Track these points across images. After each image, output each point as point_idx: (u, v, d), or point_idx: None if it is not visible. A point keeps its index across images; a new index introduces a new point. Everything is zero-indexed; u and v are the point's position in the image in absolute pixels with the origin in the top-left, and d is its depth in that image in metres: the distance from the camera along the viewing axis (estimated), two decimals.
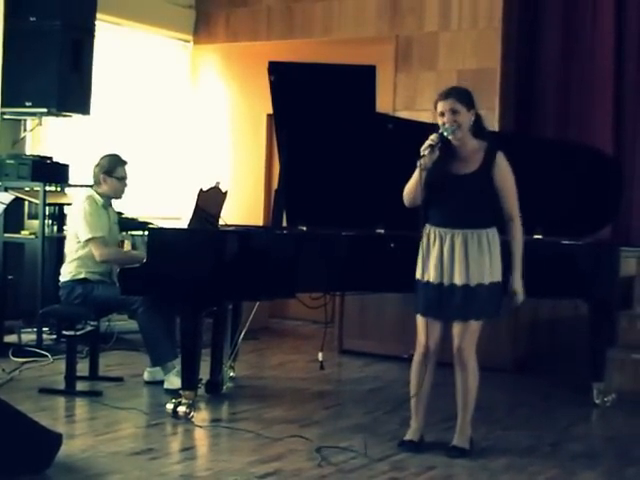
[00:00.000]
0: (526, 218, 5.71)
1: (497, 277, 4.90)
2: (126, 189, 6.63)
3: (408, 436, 5.06)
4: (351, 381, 7.06)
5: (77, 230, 6.40)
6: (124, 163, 6.59)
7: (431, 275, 4.89)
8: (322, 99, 6.01)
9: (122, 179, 6.56)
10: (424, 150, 4.77)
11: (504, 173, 4.89)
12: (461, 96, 4.89)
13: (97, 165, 6.54)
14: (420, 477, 4.59)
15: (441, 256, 4.87)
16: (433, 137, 4.80)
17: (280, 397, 6.34)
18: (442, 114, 4.85)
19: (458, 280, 4.84)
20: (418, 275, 4.96)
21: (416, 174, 4.83)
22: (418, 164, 4.79)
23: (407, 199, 4.94)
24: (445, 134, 4.81)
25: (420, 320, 5.00)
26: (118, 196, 6.62)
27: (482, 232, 4.86)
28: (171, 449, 5.07)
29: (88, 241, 6.31)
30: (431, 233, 4.92)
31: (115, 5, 8.77)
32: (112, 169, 6.51)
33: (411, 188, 4.89)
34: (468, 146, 4.91)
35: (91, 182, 6.59)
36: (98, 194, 6.51)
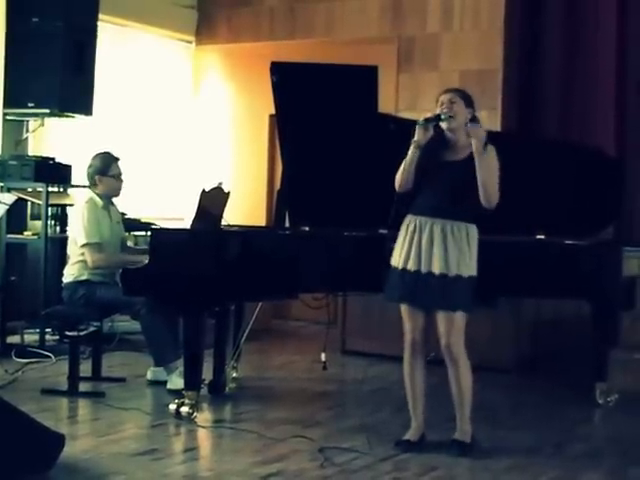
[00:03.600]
0: (528, 218, 5.73)
1: (473, 272, 4.91)
2: (123, 185, 6.63)
3: (406, 436, 5.08)
4: (354, 381, 7.06)
5: (75, 234, 6.42)
6: (117, 160, 6.57)
7: (409, 262, 4.90)
8: (324, 99, 6.02)
9: (117, 176, 6.55)
10: (420, 122, 4.86)
11: (489, 159, 4.88)
12: (462, 93, 5.02)
13: (90, 166, 6.54)
14: (423, 477, 4.59)
15: (419, 244, 4.88)
16: (429, 114, 4.90)
17: (283, 398, 6.34)
18: (441, 104, 4.94)
19: (436, 269, 4.84)
20: (394, 262, 4.97)
21: (410, 153, 4.89)
22: (412, 141, 4.86)
23: (399, 181, 4.95)
24: (442, 117, 4.89)
25: (403, 310, 5.03)
26: (116, 194, 6.61)
27: (462, 225, 4.88)
28: (174, 450, 5.08)
29: (83, 246, 6.32)
30: (411, 222, 4.94)
31: (117, 6, 8.78)
32: (106, 168, 6.50)
33: (404, 168, 4.92)
34: (460, 141, 4.96)
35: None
36: (97, 195, 6.52)
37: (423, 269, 4.87)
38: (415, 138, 4.87)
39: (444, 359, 5.00)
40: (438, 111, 4.91)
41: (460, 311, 4.90)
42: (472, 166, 4.86)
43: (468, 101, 4.97)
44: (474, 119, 4.96)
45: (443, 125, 4.91)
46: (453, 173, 4.89)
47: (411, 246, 4.91)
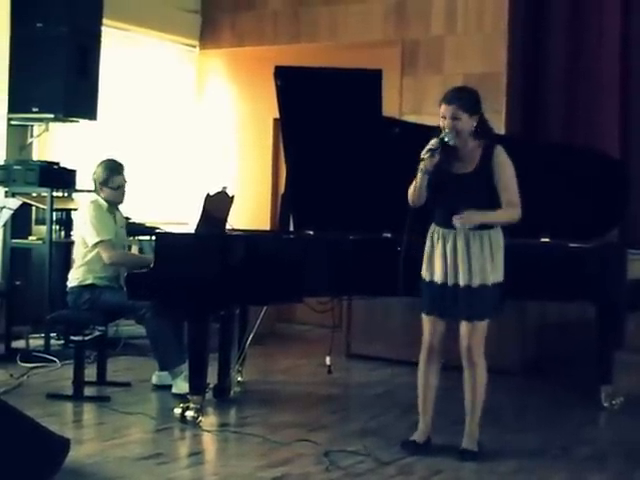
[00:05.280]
0: (533, 221, 5.71)
1: (499, 277, 4.92)
2: (126, 194, 6.63)
3: (413, 437, 5.08)
4: (359, 385, 7.06)
5: (84, 235, 6.42)
6: (120, 170, 6.55)
7: (436, 275, 4.91)
8: (328, 103, 6.01)
9: (118, 188, 6.54)
10: (424, 154, 4.80)
11: (502, 164, 4.89)
12: (464, 102, 4.87)
13: (94, 173, 6.56)
14: None
15: (445, 256, 4.89)
16: (433, 142, 4.82)
17: (288, 401, 6.34)
18: (444, 117, 4.87)
19: (461, 281, 4.86)
20: (423, 274, 4.98)
21: (418, 178, 4.86)
22: (419, 169, 4.82)
23: (411, 199, 4.94)
24: (446, 139, 4.83)
25: (424, 318, 5.03)
26: (118, 202, 6.62)
27: (484, 232, 4.88)
28: (179, 454, 5.08)
29: (96, 245, 6.33)
30: (435, 233, 4.95)
31: (121, 11, 8.79)
32: (107, 179, 6.49)
33: (414, 191, 4.90)
34: (468, 146, 4.93)
35: None
36: (102, 198, 6.53)
37: (450, 282, 4.89)
38: (421, 166, 4.80)
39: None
40: (442, 134, 4.82)
41: (486, 319, 4.92)
42: (482, 176, 4.87)
43: (471, 109, 4.87)
44: (482, 121, 4.94)
45: (450, 143, 4.85)
46: (466, 185, 4.88)
47: (438, 258, 4.91)
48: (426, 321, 5.03)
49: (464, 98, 4.91)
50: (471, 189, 4.87)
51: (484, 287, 4.86)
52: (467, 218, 4.81)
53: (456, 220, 4.81)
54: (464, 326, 4.94)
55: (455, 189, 4.89)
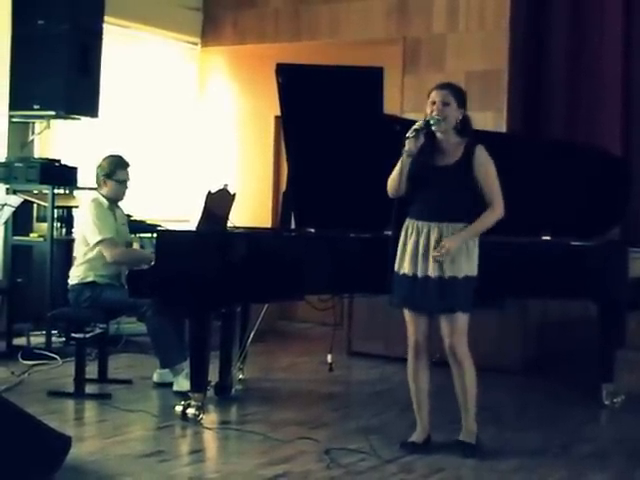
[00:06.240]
0: (534, 219, 5.71)
1: (472, 272, 4.90)
2: (127, 191, 6.62)
3: (411, 438, 5.08)
4: (360, 383, 7.06)
5: (85, 234, 6.42)
6: (125, 166, 6.57)
7: (406, 267, 4.91)
8: (330, 101, 6.02)
9: (122, 182, 6.55)
10: (410, 134, 4.82)
11: (484, 163, 4.90)
12: (455, 92, 4.97)
13: (99, 166, 6.57)
14: (429, 479, 4.59)
15: (416, 249, 4.89)
16: (419, 123, 4.87)
17: (289, 399, 6.34)
18: (433, 103, 4.92)
19: (432, 272, 4.84)
20: (395, 266, 4.97)
21: (401, 162, 4.88)
22: (403, 151, 4.83)
23: (391, 187, 4.95)
24: (431, 122, 4.87)
25: (406, 316, 5.04)
26: (119, 198, 6.61)
27: (458, 226, 4.87)
28: (180, 451, 5.09)
29: (98, 243, 6.32)
30: (409, 227, 4.94)
31: (123, 8, 8.79)
32: (112, 172, 6.50)
33: (395, 175, 4.91)
34: (450, 141, 4.95)
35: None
36: (103, 196, 6.53)
37: (420, 273, 4.88)
38: (406, 148, 4.83)
39: (448, 360, 5.01)
40: (428, 117, 4.88)
41: (460, 312, 4.90)
42: (463, 169, 4.88)
43: (461, 100, 4.95)
44: (466, 119, 4.96)
45: (433, 128, 4.90)
46: (445, 177, 4.89)
47: (409, 250, 4.92)
48: (408, 319, 5.04)
49: (455, 88, 5.01)
50: (452, 181, 4.88)
51: (454, 279, 4.84)
52: (446, 249, 4.79)
53: (435, 255, 4.80)
54: (444, 324, 4.93)
55: (435, 181, 4.90)
